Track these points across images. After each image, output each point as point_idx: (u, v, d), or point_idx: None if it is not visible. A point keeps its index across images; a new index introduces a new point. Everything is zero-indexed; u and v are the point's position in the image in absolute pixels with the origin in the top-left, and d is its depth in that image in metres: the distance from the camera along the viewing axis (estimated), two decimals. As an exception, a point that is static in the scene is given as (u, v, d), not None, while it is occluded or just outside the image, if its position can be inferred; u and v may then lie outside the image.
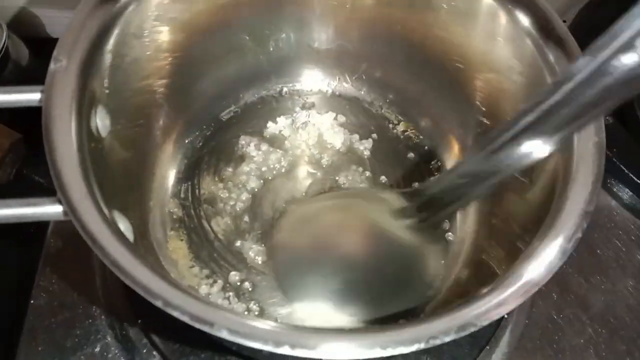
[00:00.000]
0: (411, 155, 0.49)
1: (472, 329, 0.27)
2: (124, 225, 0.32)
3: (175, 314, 0.26)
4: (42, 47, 0.63)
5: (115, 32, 0.35)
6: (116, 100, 0.36)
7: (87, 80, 0.33)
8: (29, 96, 0.31)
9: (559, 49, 0.36)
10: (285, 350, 0.26)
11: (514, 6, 0.38)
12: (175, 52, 0.42)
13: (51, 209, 0.28)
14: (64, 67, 0.32)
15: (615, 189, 0.50)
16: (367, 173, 0.48)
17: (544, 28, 0.37)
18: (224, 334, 0.25)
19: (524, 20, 0.38)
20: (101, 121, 0.34)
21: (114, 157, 0.36)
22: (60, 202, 0.28)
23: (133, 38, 0.37)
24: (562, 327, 0.44)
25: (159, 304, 0.26)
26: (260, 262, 0.43)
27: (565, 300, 0.44)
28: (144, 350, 0.40)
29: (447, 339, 0.26)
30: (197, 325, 0.25)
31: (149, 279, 0.26)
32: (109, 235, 0.28)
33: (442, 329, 0.27)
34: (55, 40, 0.65)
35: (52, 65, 0.31)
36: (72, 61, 0.32)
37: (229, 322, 0.26)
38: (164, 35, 0.40)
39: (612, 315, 0.44)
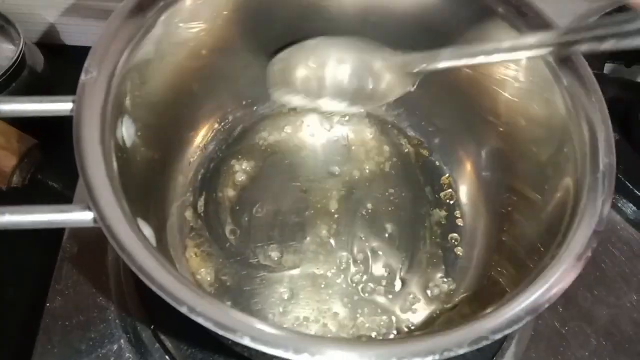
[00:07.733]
0: (422, 170, 0.50)
1: (485, 343, 0.28)
2: (148, 232, 0.33)
3: (200, 320, 0.26)
4: (58, 54, 0.64)
5: (143, 46, 0.36)
6: (141, 111, 0.37)
7: (116, 92, 0.34)
8: (61, 106, 0.32)
9: (574, 74, 0.37)
10: (305, 358, 0.26)
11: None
12: (198, 66, 0.43)
13: (82, 216, 0.29)
14: (94, 78, 0.33)
15: (619, 205, 0.51)
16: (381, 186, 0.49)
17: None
18: (247, 341, 0.26)
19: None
20: (127, 131, 0.35)
21: (136, 165, 0.37)
22: (90, 209, 0.29)
23: (159, 52, 0.38)
24: (567, 339, 0.44)
25: (184, 310, 0.27)
26: (278, 270, 0.44)
27: (570, 313, 0.45)
28: (157, 355, 0.41)
29: (461, 352, 0.27)
30: (221, 332, 0.26)
31: (174, 286, 0.27)
32: (136, 242, 0.28)
33: (456, 342, 0.28)
34: (71, 48, 0.67)
35: (83, 77, 0.32)
36: (102, 73, 0.33)
37: (252, 330, 0.26)
38: (187, 50, 0.42)
39: (616, 328, 0.45)
